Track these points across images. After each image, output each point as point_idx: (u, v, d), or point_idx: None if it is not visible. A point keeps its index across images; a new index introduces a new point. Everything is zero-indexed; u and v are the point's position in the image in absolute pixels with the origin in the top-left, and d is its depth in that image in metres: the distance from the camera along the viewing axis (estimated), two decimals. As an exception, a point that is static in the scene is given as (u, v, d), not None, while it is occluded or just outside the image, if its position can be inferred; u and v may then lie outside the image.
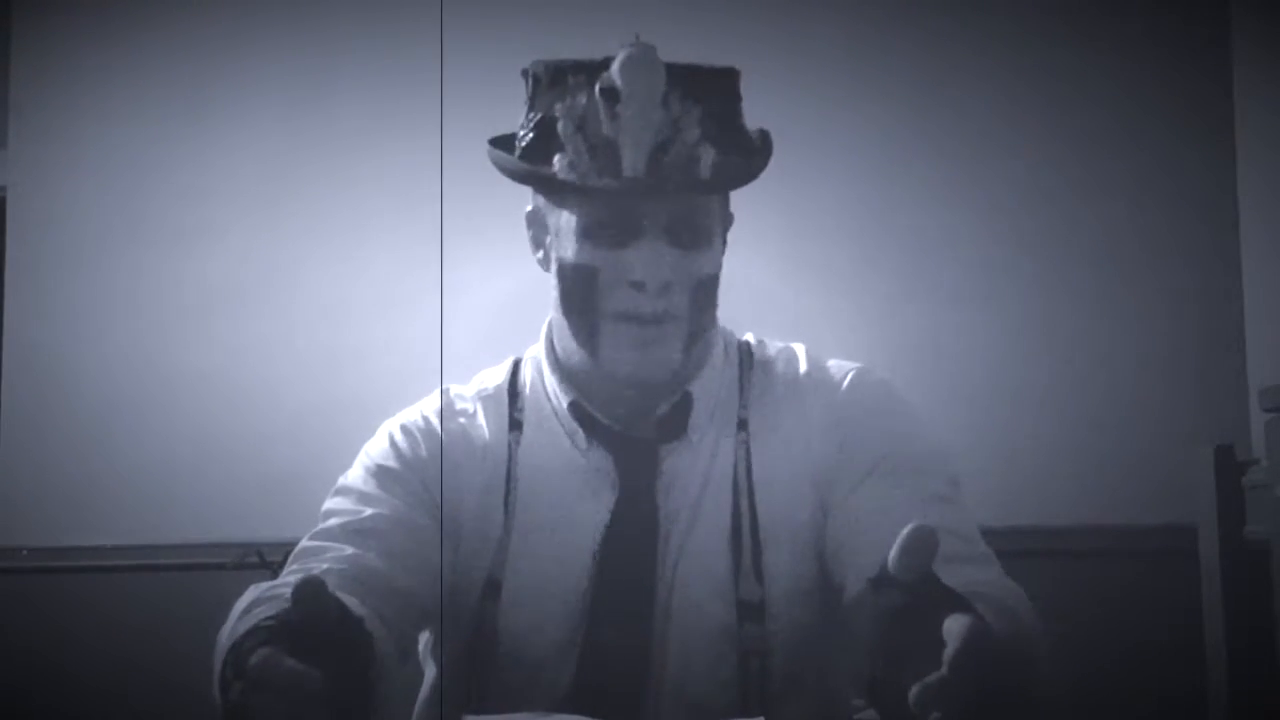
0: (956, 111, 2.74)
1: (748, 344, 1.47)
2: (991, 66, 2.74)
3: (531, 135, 1.37)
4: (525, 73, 1.39)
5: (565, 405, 1.41)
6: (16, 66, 3.13)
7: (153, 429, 2.93)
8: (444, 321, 2.82)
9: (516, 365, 1.48)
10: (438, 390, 1.49)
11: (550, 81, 1.36)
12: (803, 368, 1.44)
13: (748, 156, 1.37)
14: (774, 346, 1.48)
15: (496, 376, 1.49)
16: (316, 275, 2.92)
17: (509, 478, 1.40)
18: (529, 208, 1.43)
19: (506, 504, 1.39)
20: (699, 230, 1.35)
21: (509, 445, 1.42)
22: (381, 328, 2.85)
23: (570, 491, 1.39)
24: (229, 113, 3.01)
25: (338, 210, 2.93)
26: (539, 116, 1.36)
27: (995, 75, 2.74)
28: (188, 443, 2.91)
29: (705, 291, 1.36)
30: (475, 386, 1.48)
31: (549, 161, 1.34)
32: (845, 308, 2.68)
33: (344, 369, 2.84)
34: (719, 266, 1.39)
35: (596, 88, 1.32)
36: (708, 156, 1.32)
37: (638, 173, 1.30)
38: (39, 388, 3.01)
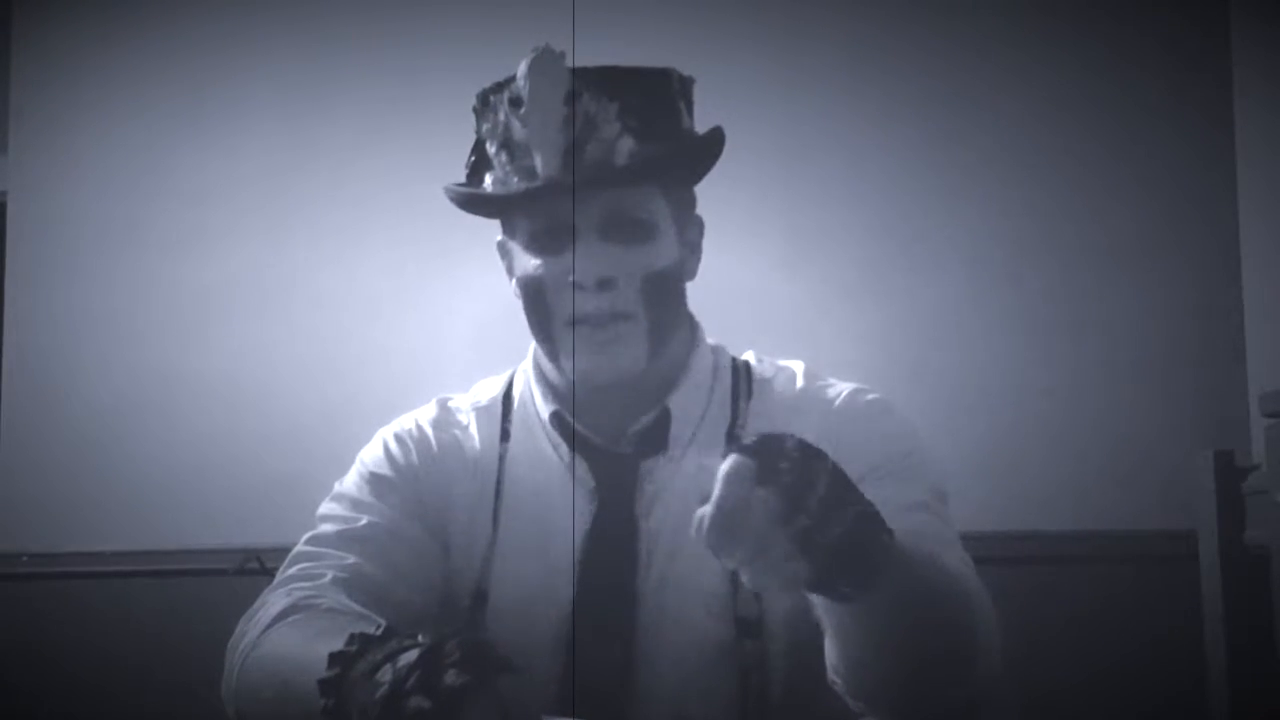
0: (955, 113, 2.74)
1: (746, 363, 1.47)
2: (991, 68, 2.74)
3: (471, 160, 1.40)
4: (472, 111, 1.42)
5: (547, 416, 1.42)
6: (17, 71, 3.13)
7: (152, 434, 2.93)
8: (439, 327, 2.82)
9: (513, 377, 1.50)
10: (434, 400, 1.50)
11: (481, 108, 1.38)
12: (799, 385, 1.44)
13: (680, 149, 1.37)
14: (773, 365, 1.47)
15: (492, 388, 1.50)
16: (316, 279, 2.92)
17: (498, 488, 1.42)
18: (498, 239, 1.45)
19: (495, 514, 1.41)
20: (637, 224, 1.35)
21: (499, 456, 1.43)
22: (380, 332, 2.85)
23: (553, 503, 1.40)
24: (228, 117, 3.01)
25: (337, 214, 2.93)
26: (475, 142, 1.39)
27: (994, 77, 2.74)
28: (188, 447, 2.91)
29: (660, 287, 1.36)
30: (471, 398, 1.50)
31: (482, 183, 1.37)
32: (845, 312, 2.68)
33: (343, 373, 2.85)
34: (673, 261, 1.38)
35: (506, 98, 1.34)
36: (625, 147, 1.32)
37: (552, 171, 1.32)
38: (39, 392, 3.01)
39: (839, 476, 0.99)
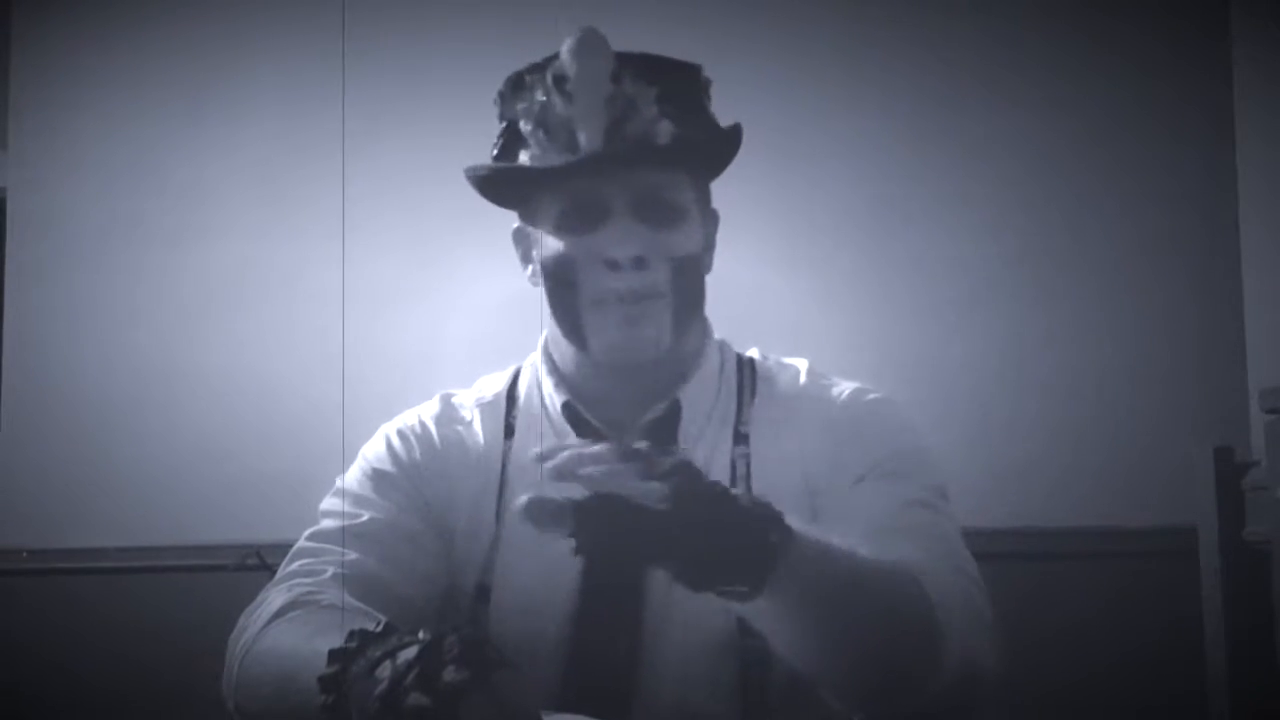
0: (955, 112, 2.74)
1: (751, 360, 1.48)
2: (991, 67, 2.74)
3: (500, 143, 1.40)
4: (497, 96, 1.42)
5: (559, 407, 1.42)
6: (17, 67, 3.13)
7: (152, 430, 2.93)
8: (439, 324, 2.82)
9: (517, 373, 1.50)
10: (438, 395, 1.50)
11: (512, 90, 1.39)
12: (803, 382, 1.45)
13: (714, 136, 1.39)
14: (777, 363, 1.48)
15: (496, 384, 1.50)
16: (316, 276, 2.92)
17: (501, 483, 1.42)
18: (515, 225, 1.45)
19: (498, 509, 1.40)
20: (669, 207, 1.36)
21: (503, 452, 1.43)
22: (381, 329, 2.85)
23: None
24: (228, 114, 3.01)
25: (337, 211, 2.93)
26: (505, 125, 1.40)
27: (994, 76, 2.74)
28: (188, 443, 2.91)
29: (686, 270, 1.37)
30: (474, 393, 1.50)
31: (515, 161, 1.38)
32: (845, 310, 2.68)
33: (345, 369, 2.84)
34: (699, 246, 1.40)
35: (549, 77, 1.35)
36: (665, 128, 1.34)
37: (595, 146, 1.33)
38: (39, 388, 3.01)
39: (711, 488, 1.03)
